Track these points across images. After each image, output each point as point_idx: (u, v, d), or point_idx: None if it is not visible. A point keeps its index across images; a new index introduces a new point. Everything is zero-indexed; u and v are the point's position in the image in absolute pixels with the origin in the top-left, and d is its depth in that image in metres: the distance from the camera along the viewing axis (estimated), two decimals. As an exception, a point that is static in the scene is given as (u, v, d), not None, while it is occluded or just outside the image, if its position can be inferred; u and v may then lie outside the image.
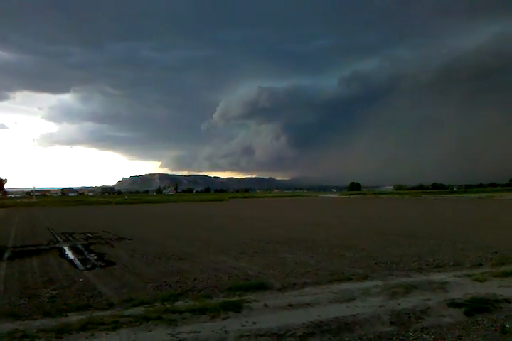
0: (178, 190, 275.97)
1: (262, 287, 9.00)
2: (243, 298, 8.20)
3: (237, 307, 7.48)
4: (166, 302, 7.99)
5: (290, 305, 7.65)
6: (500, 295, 7.94)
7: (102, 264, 12.68)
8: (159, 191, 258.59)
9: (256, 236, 18.69)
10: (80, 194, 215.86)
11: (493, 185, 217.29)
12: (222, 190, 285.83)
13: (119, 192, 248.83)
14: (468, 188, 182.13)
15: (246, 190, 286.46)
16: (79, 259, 13.76)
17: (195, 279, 10.06)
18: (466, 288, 8.58)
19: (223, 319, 6.97)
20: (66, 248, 16.66)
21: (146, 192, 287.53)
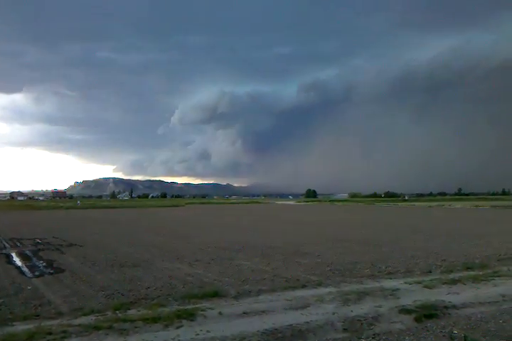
0: (133, 195, 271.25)
1: (217, 295, 8.94)
2: (198, 305, 8.11)
3: (191, 316, 7.39)
4: (117, 311, 7.79)
5: (245, 313, 7.62)
6: (449, 302, 8.22)
7: (51, 271, 12.24)
8: (113, 196, 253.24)
9: (212, 243, 18.57)
10: (30, 198, 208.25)
11: (443, 194, 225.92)
12: (178, 196, 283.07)
13: (71, 197, 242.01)
14: (419, 197, 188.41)
15: (203, 196, 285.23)
16: (27, 266, 13.22)
17: (148, 287, 9.87)
18: (416, 295, 8.83)
19: (177, 328, 6.86)
20: (13, 254, 15.99)
21: (100, 197, 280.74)
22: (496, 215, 45.25)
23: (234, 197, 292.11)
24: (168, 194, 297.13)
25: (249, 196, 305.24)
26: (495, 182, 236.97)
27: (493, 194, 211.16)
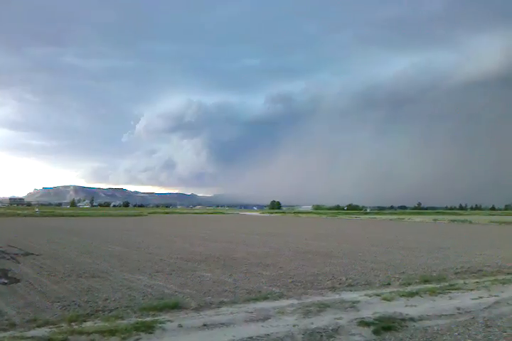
0: (95, 204, 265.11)
1: (177, 306, 8.80)
2: (157, 318, 7.96)
3: (149, 328, 7.24)
4: (73, 323, 7.55)
5: (205, 325, 7.53)
6: (407, 314, 8.37)
7: (5, 281, 11.76)
8: (73, 204, 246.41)
9: (174, 254, 18.32)
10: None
11: (403, 207, 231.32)
12: (141, 205, 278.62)
13: (29, 204, 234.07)
14: (380, 210, 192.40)
15: (167, 206, 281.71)
16: (-22, 276, 12.66)
17: (106, 298, 9.62)
18: (375, 307, 8.95)
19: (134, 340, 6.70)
20: (-36, 264, 15.29)
21: (59, 204, 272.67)
22: (454, 229, 46.63)
23: (198, 207, 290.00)
24: (131, 203, 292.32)
25: (213, 206, 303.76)
26: (453, 197, 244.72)
27: (451, 208, 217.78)
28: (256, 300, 9.60)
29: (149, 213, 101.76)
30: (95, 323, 7.65)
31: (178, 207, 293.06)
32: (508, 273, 13.88)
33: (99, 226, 45.11)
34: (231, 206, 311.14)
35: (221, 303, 9.26)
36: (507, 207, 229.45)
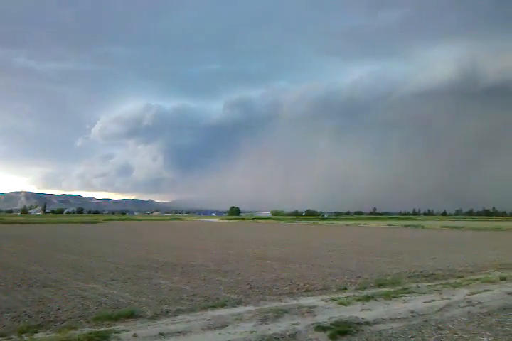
0: (47, 211, 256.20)
1: (132, 315, 8.60)
2: (112, 328, 7.75)
3: (103, 339, 7.04)
4: (23, 335, 7.25)
5: (161, 334, 7.39)
6: (362, 318, 8.51)
7: None
8: (25, 211, 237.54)
9: (130, 262, 17.94)
10: None
11: (359, 213, 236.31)
12: (96, 212, 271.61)
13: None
14: (337, 215, 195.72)
15: (123, 212, 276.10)
16: None
17: (59, 308, 9.29)
18: (332, 312, 9.06)
19: (87, 352, 6.50)
20: None
21: (10, 211, 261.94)
22: (407, 234, 47.96)
23: (156, 213, 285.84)
24: (86, 209, 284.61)
25: (171, 212, 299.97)
26: (406, 202, 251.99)
27: (405, 214, 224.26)
28: (214, 307, 9.52)
29: (105, 220, 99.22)
30: (47, 334, 7.37)
31: (135, 213, 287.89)
32: (459, 277, 14.38)
33: (51, 233, 43.62)
34: (190, 212, 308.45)
35: (178, 311, 9.12)
36: (457, 213, 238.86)
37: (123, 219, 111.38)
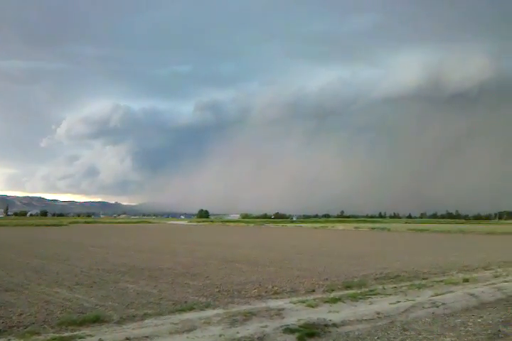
0: (10, 213, 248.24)
1: (98, 320, 8.42)
2: (76, 333, 7.56)
3: (68, 344, 6.86)
4: (-19, 343, 6.99)
5: (128, 339, 7.26)
6: (330, 320, 8.59)
7: None
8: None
9: (96, 265, 17.58)
10: None
11: (327, 216, 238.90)
12: (61, 215, 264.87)
13: None
14: (306, 218, 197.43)
15: (89, 215, 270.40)
16: None
17: (21, 313, 9.01)
18: (300, 314, 9.11)
19: (51, 358, 6.32)
20: None
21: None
22: (373, 237, 48.79)
23: (123, 216, 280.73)
24: (50, 212, 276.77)
25: (139, 215, 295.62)
26: (373, 205, 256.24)
27: (372, 217, 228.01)
28: (182, 311, 9.42)
29: (70, 223, 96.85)
30: (9, 340, 7.14)
31: (101, 216, 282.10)
32: (424, 279, 14.71)
33: (14, 236, 42.32)
34: (158, 215, 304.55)
35: (145, 315, 8.98)
36: (422, 216, 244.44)
37: (88, 222, 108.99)
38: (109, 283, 13.17)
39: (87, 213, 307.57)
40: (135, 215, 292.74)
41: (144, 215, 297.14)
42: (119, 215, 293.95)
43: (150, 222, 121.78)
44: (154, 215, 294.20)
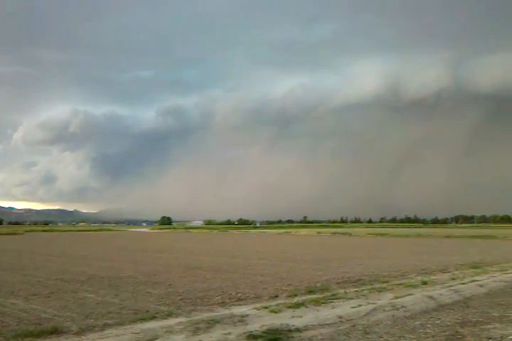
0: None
1: (56, 331, 8.14)
2: (32, 346, 7.29)
3: (23, 358, 6.60)
4: None
5: (87, 350, 7.07)
6: (293, 325, 8.63)
7: None
8: None
9: (54, 275, 17.04)
10: None
11: (290, 221, 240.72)
12: (17, 223, 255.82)
13: None
14: (269, 224, 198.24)
15: (46, 223, 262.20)
16: None
17: (-27, 327, 8.61)
18: (263, 320, 9.11)
19: (5, 373, 6.07)
20: None
21: None
22: (335, 241, 49.46)
23: (82, 224, 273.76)
24: (5, 220, 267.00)
25: (99, 223, 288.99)
26: (335, 210, 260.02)
27: (333, 222, 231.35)
28: (143, 320, 9.24)
29: (26, 231, 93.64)
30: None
31: (60, 224, 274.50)
32: (384, 282, 14.98)
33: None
34: (118, 222, 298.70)
35: (105, 325, 8.76)
36: (382, 220, 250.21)
37: (46, 231, 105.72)
38: (67, 293, 12.78)
39: (45, 221, 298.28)
40: (95, 223, 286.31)
41: (104, 223, 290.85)
42: (78, 223, 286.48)
43: (110, 230, 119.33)
44: (115, 223, 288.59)
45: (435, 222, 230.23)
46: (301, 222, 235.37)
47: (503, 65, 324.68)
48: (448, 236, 58.54)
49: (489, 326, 8.91)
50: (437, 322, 9.26)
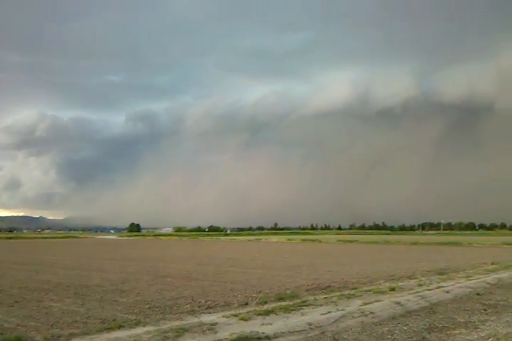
0: None
1: (19, 342, 7.90)
2: (-7, 357, 7.05)
3: (-17, 370, 6.37)
4: None
5: (51, 361, 6.87)
6: (263, 333, 8.61)
7: None
8: None
9: (17, 283, 16.52)
10: None
11: (261, 228, 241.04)
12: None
13: None
14: (240, 231, 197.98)
15: (10, 230, 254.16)
16: None
17: None
18: (233, 328, 9.06)
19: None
20: None
21: None
22: (305, 248, 49.74)
23: (48, 231, 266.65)
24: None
25: (65, 230, 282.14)
26: (305, 217, 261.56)
27: (304, 229, 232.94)
28: (110, 329, 9.05)
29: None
30: None
31: (25, 231, 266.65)
32: (353, 288, 15.15)
33: None
34: (86, 229, 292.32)
35: (71, 335, 8.55)
36: (351, 227, 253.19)
37: (10, 238, 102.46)
38: (32, 302, 12.42)
39: (9, 228, 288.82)
40: (61, 230, 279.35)
41: (70, 230, 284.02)
42: (43, 230, 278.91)
43: (77, 237, 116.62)
44: (82, 230, 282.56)
45: (402, 228, 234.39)
46: (271, 228, 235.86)
47: (468, 76, 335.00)
48: (415, 243, 59.65)
49: (455, 331, 9.12)
50: (405, 328, 9.42)
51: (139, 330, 8.95)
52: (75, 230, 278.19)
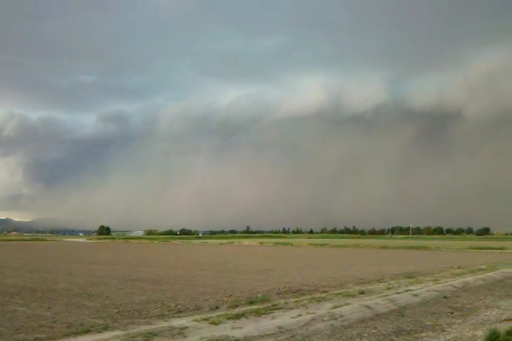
0: None
1: (-20, 348, 7.65)
2: (-47, 364, 6.80)
3: None
4: None
5: (14, 368, 6.67)
6: (233, 337, 8.58)
7: None
8: None
9: (-20, 287, 16.02)
10: None
11: (233, 231, 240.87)
12: None
13: None
14: (212, 234, 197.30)
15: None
16: None
17: None
18: (203, 332, 8.99)
19: None
20: None
21: None
22: (277, 252, 49.89)
23: (14, 233, 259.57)
24: None
25: (33, 232, 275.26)
26: (277, 221, 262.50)
27: (276, 232, 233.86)
28: (77, 334, 8.86)
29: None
30: None
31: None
32: (323, 292, 15.26)
33: None
34: (54, 232, 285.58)
35: (36, 340, 8.33)
36: (323, 231, 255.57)
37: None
38: (-6, 307, 12.05)
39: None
40: (28, 232, 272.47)
41: (38, 232, 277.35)
42: (9, 232, 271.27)
43: (45, 240, 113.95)
44: (50, 232, 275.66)
45: (372, 232, 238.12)
46: (244, 232, 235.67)
47: (437, 83, 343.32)
48: (384, 247, 60.58)
49: (422, 334, 9.28)
50: (373, 331, 9.54)
51: (107, 335, 8.79)
52: (42, 232, 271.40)
